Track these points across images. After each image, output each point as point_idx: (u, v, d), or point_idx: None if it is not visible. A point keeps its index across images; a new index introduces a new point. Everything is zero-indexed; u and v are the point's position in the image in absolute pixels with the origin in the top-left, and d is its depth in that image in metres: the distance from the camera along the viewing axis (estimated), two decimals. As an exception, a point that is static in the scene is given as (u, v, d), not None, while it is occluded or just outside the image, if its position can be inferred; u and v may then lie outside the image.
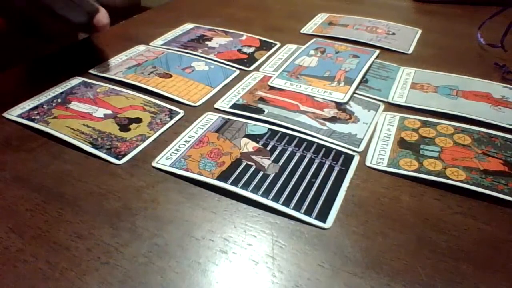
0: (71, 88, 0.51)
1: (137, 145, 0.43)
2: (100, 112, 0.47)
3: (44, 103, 0.48)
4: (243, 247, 0.33)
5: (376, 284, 0.30)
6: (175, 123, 0.46)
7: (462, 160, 0.40)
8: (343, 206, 0.36)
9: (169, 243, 0.33)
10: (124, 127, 0.45)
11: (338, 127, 0.45)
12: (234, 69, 0.57)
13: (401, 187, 0.38)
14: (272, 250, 0.32)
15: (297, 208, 0.35)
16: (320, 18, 0.74)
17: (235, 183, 0.38)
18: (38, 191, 0.37)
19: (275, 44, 0.64)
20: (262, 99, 0.50)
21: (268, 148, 0.42)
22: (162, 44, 0.63)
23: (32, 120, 0.45)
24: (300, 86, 0.52)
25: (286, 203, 0.36)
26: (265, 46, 0.64)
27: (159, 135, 0.44)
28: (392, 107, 0.49)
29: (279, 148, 0.42)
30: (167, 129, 0.45)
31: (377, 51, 0.61)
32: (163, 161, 0.40)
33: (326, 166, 0.40)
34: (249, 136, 0.44)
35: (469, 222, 0.35)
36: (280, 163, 0.40)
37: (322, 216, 0.35)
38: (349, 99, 0.50)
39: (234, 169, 0.39)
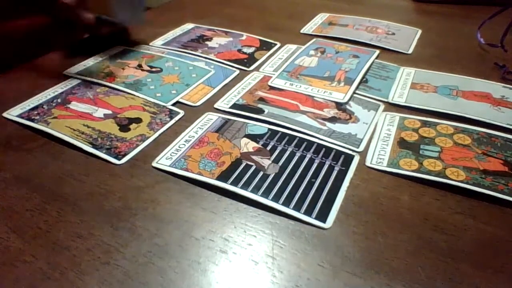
0: (71, 88, 0.51)
1: (137, 145, 0.43)
2: (100, 112, 0.47)
3: (44, 103, 0.48)
4: (243, 247, 0.33)
5: (376, 284, 0.30)
6: (175, 123, 0.46)
7: (462, 160, 0.40)
8: (343, 206, 0.36)
9: (169, 243, 0.33)
10: (124, 127, 0.45)
11: (338, 127, 0.45)
12: (234, 69, 0.57)
13: (401, 187, 0.38)
14: (272, 250, 0.32)
15: (297, 208, 0.35)
16: (320, 18, 0.74)
17: (235, 183, 0.38)
18: (38, 191, 0.37)
19: (275, 44, 0.64)
20: (262, 99, 0.50)
21: (268, 148, 0.42)
22: (162, 44, 0.63)
23: (32, 120, 0.45)
24: (300, 86, 0.52)
25: (286, 203, 0.36)
26: (265, 46, 0.64)
27: (159, 135, 0.44)
28: (392, 107, 0.49)
29: (279, 148, 0.42)
30: (167, 129, 0.45)
31: (377, 51, 0.61)
32: (163, 161, 0.40)
33: (326, 166, 0.40)
34: (249, 136, 0.44)
35: (469, 222, 0.35)
36: (280, 163, 0.40)
37: (322, 216, 0.35)
38: (349, 99, 0.50)
39: (234, 169, 0.39)
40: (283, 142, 0.43)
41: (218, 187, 0.37)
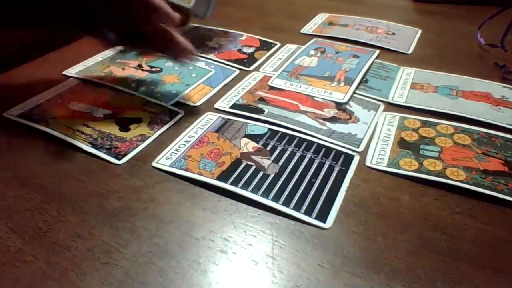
0: (71, 88, 0.51)
1: (137, 145, 0.43)
2: (100, 112, 0.47)
3: (44, 103, 0.48)
4: (243, 247, 0.33)
5: (376, 284, 0.30)
6: (175, 123, 0.46)
7: (462, 160, 0.40)
8: (343, 206, 0.36)
9: (169, 243, 0.33)
10: (124, 127, 0.45)
11: (338, 127, 0.45)
12: (234, 69, 0.57)
13: (401, 187, 0.38)
14: (272, 250, 0.32)
15: (297, 208, 0.35)
16: (320, 18, 0.74)
17: (235, 183, 0.38)
18: (38, 191, 0.37)
19: (275, 44, 0.64)
20: (262, 99, 0.50)
21: (268, 148, 0.42)
22: (162, 44, 0.63)
23: (32, 120, 0.45)
24: (300, 86, 0.52)
25: (286, 203, 0.36)
26: (265, 46, 0.64)
27: (159, 135, 0.44)
28: (392, 107, 0.49)
29: (279, 148, 0.42)
30: (167, 129, 0.45)
31: (377, 51, 0.61)
32: (163, 161, 0.40)
33: (326, 166, 0.40)
34: (249, 136, 0.44)
35: (469, 222, 0.35)
36: (280, 163, 0.40)
37: (322, 216, 0.35)
38: (349, 99, 0.50)
39: (234, 169, 0.39)
40: (283, 142, 0.43)
41: (218, 187, 0.37)
